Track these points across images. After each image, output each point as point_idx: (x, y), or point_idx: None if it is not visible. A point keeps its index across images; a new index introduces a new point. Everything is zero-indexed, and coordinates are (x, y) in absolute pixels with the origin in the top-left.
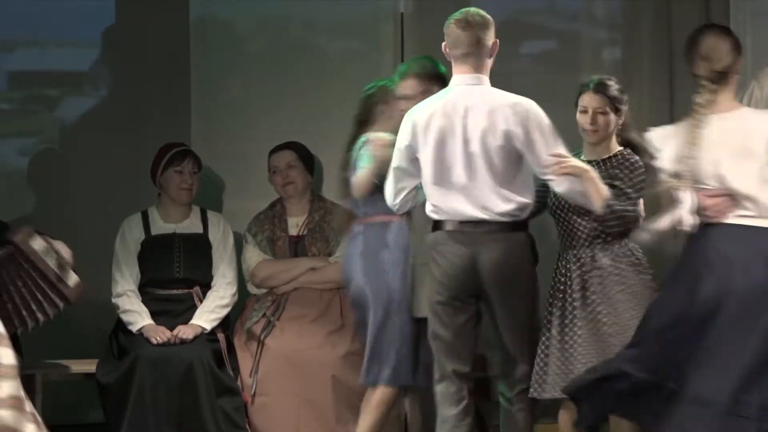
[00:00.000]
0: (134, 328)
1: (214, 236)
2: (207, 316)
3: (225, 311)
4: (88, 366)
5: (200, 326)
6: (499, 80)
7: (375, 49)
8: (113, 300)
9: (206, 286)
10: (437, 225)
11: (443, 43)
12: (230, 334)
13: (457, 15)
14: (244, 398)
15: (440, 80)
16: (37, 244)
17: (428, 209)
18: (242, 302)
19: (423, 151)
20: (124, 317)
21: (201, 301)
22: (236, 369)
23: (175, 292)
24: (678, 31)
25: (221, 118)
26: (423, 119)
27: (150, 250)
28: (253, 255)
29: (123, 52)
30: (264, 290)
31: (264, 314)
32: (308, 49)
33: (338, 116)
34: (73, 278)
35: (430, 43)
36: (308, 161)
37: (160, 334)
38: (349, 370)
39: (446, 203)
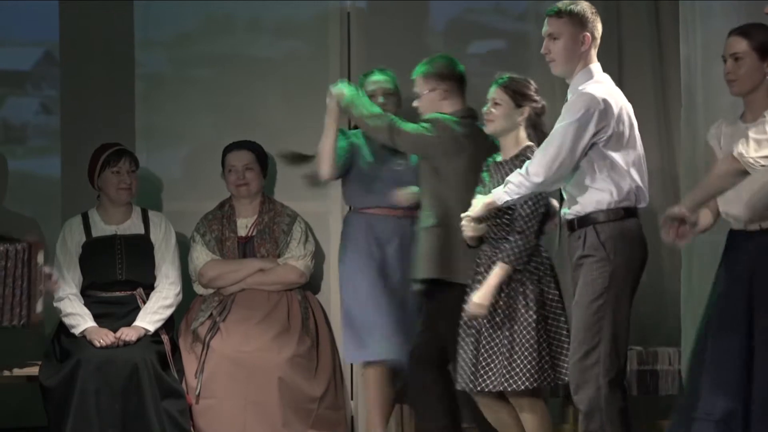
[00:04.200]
0: (77, 331)
1: (155, 237)
2: (150, 317)
3: (168, 312)
4: (31, 369)
5: (143, 328)
6: None
7: (321, 49)
8: (55, 304)
9: (149, 288)
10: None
11: (585, 34)
12: (174, 336)
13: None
14: (189, 400)
15: (449, 79)
16: (41, 256)
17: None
18: (188, 303)
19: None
20: (67, 320)
21: (144, 303)
22: (181, 371)
23: (117, 294)
24: (627, 32)
25: (166, 118)
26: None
27: (91, 253)
28: (201, 255)
29: (66, 52)
30: (211, 290)
31: (210, 315)
32: (254, 49)
33: (284, 116)
34: (39, 306)
35: (378, 42)
36: (264, 163)
37: (103, 337)
38: (295, 372)
39: None
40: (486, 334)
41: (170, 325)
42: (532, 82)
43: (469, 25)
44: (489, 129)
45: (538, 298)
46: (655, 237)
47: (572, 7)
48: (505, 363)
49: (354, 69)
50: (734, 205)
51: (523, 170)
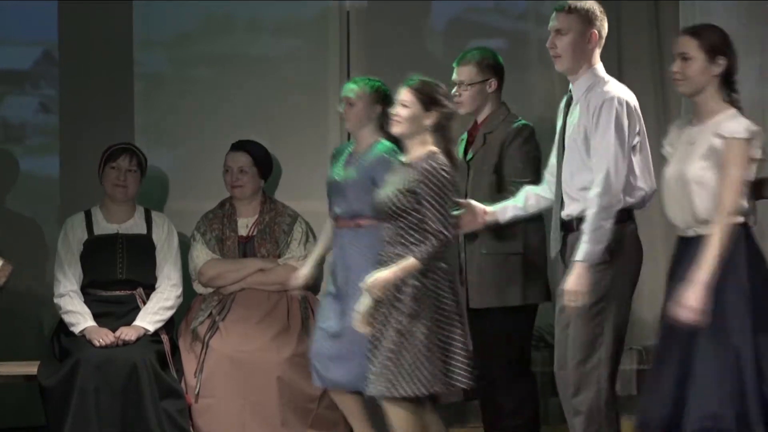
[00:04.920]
0: (76, 330)
1: (158, 237)
2: (150, 317)
3: (169, 313)
4: (29, 368)
5: (143, 328)
6: (446, 78)
7: (321, 48)
8: (55, 300)
9: (149, 288)
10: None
11: (593, 31)
12: (174, 336)
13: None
14: (188, 400)
15: (498, 73)
16: None
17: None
18: (188, 302)
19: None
20: (66, 318)
21: (144, 303)
22: (180, 371)
23: (117, 293)
24: (627, 32)
25: (165, 118)
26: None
27: (92, 251)
28: (201, 253)
29: (65, 51)
30: (210, 290)
31: (210, 314)
32: (253, 49)
33: (284, 116)
34: None
35: (377, 41)
36: (264, 165)
37: (103, 337)
38: (294, 372)
39: None
40: (384, 340)
41: (170, 325)
42: (442, 86)
43: (469, 25)
44: (395, 130)
45: (434, 304)
46: (655, 236)
47: (582, 3)
48: (393, 369)
49: (354, 69)
50: (676, 212)
51: (593, 206)
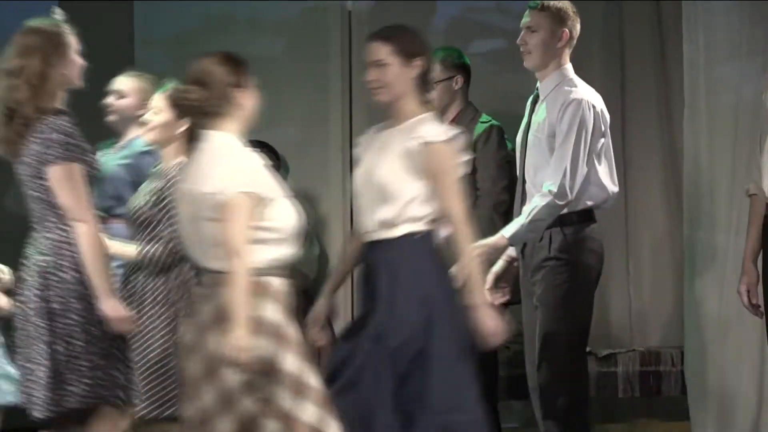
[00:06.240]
0: None
1: None
2: None
3: None
4: None
5: None
6: None
7: (322, 48)
8: None
9: None
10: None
11: (563, 30)
12: None
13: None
14: None
15: (464, 70)
16: None
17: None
18: None
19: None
20: None
21: None
22: None
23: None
24: (629, 31)
25: None
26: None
27: None
28: None
29: None
30: None
31: None
32: (253, 48)
33: (285, 116)
34: None
35: None
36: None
37: None
38: None
39: None
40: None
41: None
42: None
43: (470, 24)
44: (147, 138)
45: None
46: (655, 236)
47: (555, 3)
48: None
49: (354, 68)
50: (363, 217)
51: (544, 199)
